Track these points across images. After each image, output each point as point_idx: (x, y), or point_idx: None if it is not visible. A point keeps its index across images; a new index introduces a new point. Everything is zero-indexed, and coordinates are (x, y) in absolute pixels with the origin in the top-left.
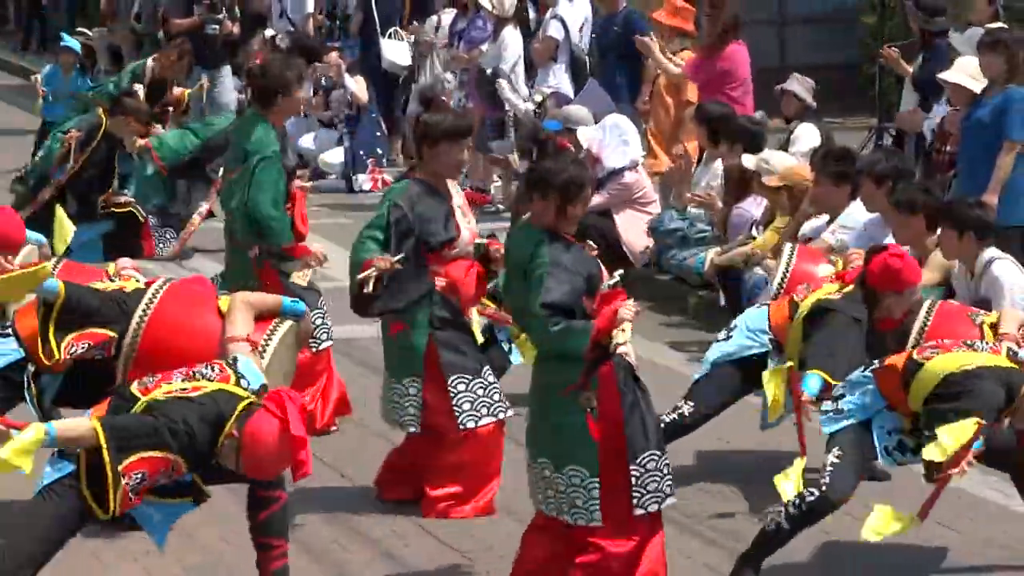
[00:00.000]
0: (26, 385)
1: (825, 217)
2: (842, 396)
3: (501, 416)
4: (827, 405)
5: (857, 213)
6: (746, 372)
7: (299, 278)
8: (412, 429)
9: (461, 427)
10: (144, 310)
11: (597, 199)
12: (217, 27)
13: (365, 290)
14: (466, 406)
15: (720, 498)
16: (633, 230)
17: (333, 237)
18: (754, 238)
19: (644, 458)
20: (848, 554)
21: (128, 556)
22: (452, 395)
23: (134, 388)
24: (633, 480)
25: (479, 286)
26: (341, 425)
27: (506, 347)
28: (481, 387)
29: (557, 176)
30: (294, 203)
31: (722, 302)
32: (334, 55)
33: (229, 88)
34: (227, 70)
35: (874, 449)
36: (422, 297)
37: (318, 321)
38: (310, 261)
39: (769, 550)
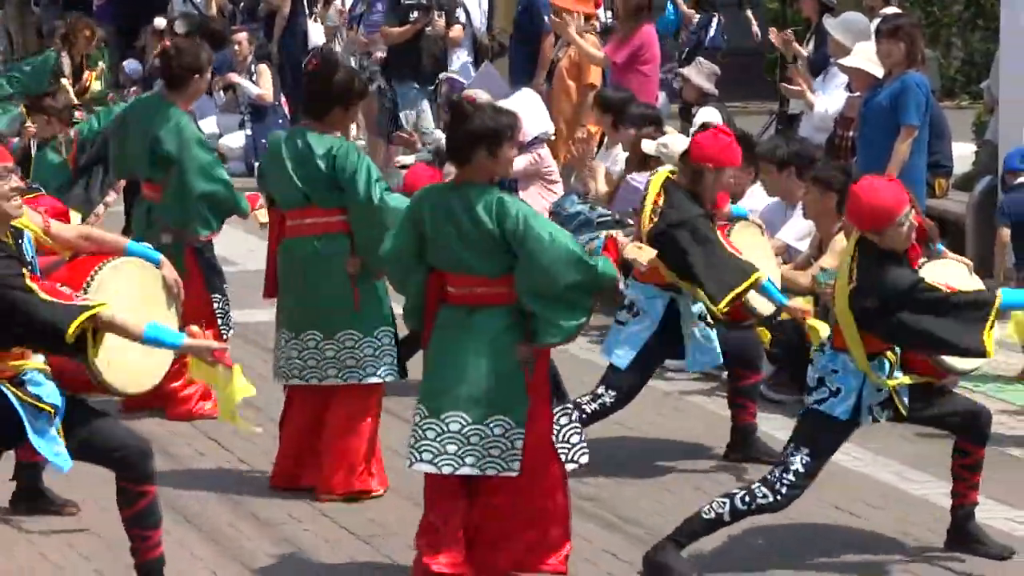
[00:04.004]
0: None
1: None
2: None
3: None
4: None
5: (758, 196)
6: None
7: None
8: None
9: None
10: None
11: (518, 165)
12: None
13: None
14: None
15: (624, 484)
16: (535, 208)
17: (233, 220)
18: None
19: (559, 412)
20: (756, 539)
21: (22, 539)
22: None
23: None
24: (556, 434)
25: None
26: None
27: None
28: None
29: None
30: None
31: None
32: (243, 35)
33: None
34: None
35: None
36: None
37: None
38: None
39: (697, 536)
